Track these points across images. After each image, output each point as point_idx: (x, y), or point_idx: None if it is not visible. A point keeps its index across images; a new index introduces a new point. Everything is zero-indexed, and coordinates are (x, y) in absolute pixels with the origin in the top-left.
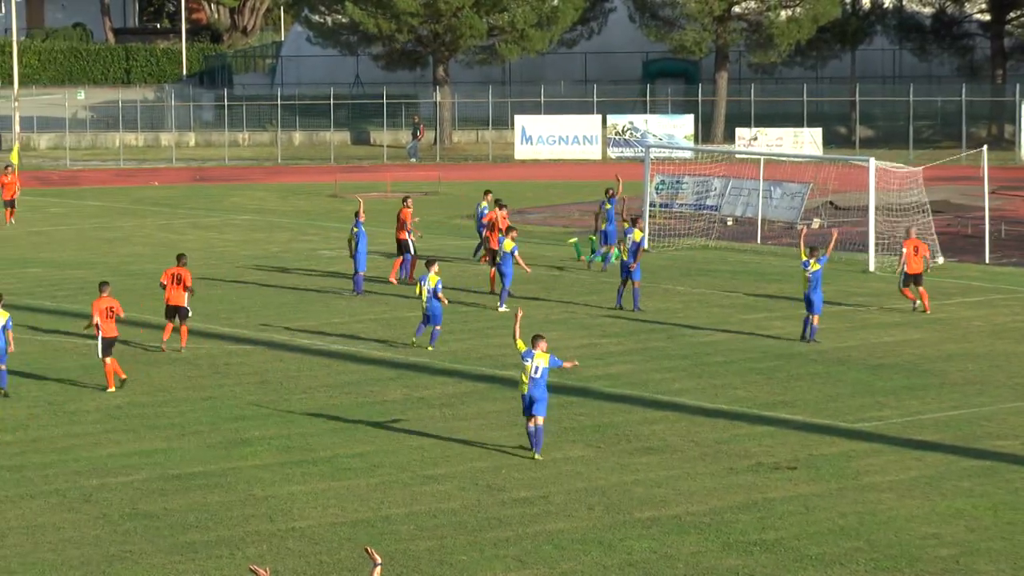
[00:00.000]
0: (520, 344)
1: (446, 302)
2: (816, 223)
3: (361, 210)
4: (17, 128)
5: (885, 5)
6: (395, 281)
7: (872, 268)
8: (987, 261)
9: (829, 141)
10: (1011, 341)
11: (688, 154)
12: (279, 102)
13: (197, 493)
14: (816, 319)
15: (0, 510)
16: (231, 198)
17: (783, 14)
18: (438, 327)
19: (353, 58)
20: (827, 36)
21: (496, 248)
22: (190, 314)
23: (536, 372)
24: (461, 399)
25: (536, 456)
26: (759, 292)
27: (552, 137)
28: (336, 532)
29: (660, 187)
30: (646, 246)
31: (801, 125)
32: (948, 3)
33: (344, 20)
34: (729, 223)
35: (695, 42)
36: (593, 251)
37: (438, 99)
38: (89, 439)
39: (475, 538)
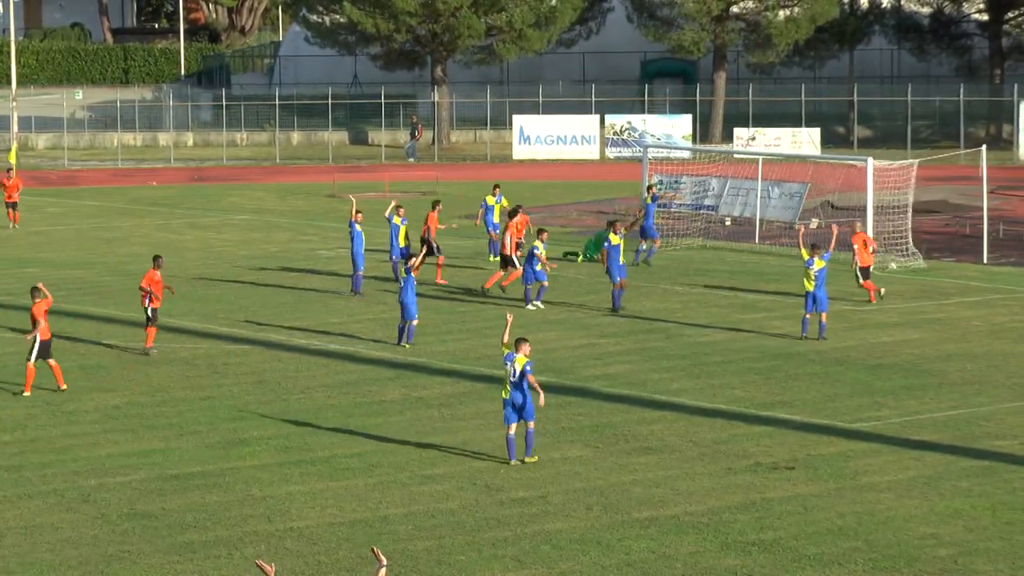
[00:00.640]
0: (505, 349)
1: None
2: (815, 223)
3: (354, 209)
4: (15, 128)
5: (883, 5)
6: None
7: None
8: (985, 261)
9: (827, 141)
10: (1009, 341)
11: (686, 154)
12: (277, 102)
13: (195, 493)
14: (824, 316)
15: None
16: (229, 198)
17: (781, 14)
18: (414, 322)
19: (351, 58)
20: (825, 36)
21: (511, 254)
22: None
23: (515, 376)
24: (459, 399)
25: (527, 459)
26: (758, 292)
27: (550, 137)
28: (334, 532)
29: (658, 187)
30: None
31: (799, 125)
32: (946, 3)
33: (342, 20)
34: (727, 223)
35: (693, 42)
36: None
37: (436, 99)
38: (87, 439)
39: (473, 538)
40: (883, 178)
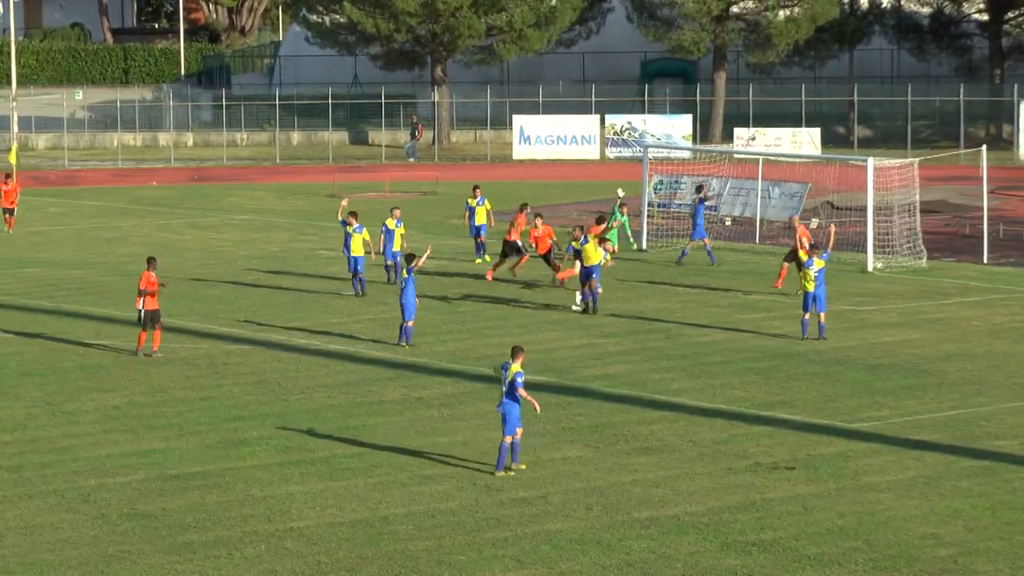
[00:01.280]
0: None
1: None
2: (814, 223)
3: (342, 208)
4: (15, 128)
5: (883, 5)
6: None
7: (871, 268)
8: (985, 261)
9: (827, 141)
10: (1009, 341)
11: (686, 154)
12: (277, 102)
13: (195, 493)
14: (823, 316)
15: None
16: (229, 198)
17: (781, 14)
18: (409, 323)
19: (351, 58)
20: (825, 36)
21: (544, 252)
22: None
23: (505, 385)
24: (459, 399)
25: (515, 466)
26: (758, 292)
27: (550, 137)
28: (334, 532)
29: (658, 187)
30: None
31: (799, 125)
32: (946, 3)
33: (342, 20)
34: (728, 223)
35: (693, 42)
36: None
37: (436, 99)
38: (87, 439)
39: (473, 538)
40: (886, 178)
